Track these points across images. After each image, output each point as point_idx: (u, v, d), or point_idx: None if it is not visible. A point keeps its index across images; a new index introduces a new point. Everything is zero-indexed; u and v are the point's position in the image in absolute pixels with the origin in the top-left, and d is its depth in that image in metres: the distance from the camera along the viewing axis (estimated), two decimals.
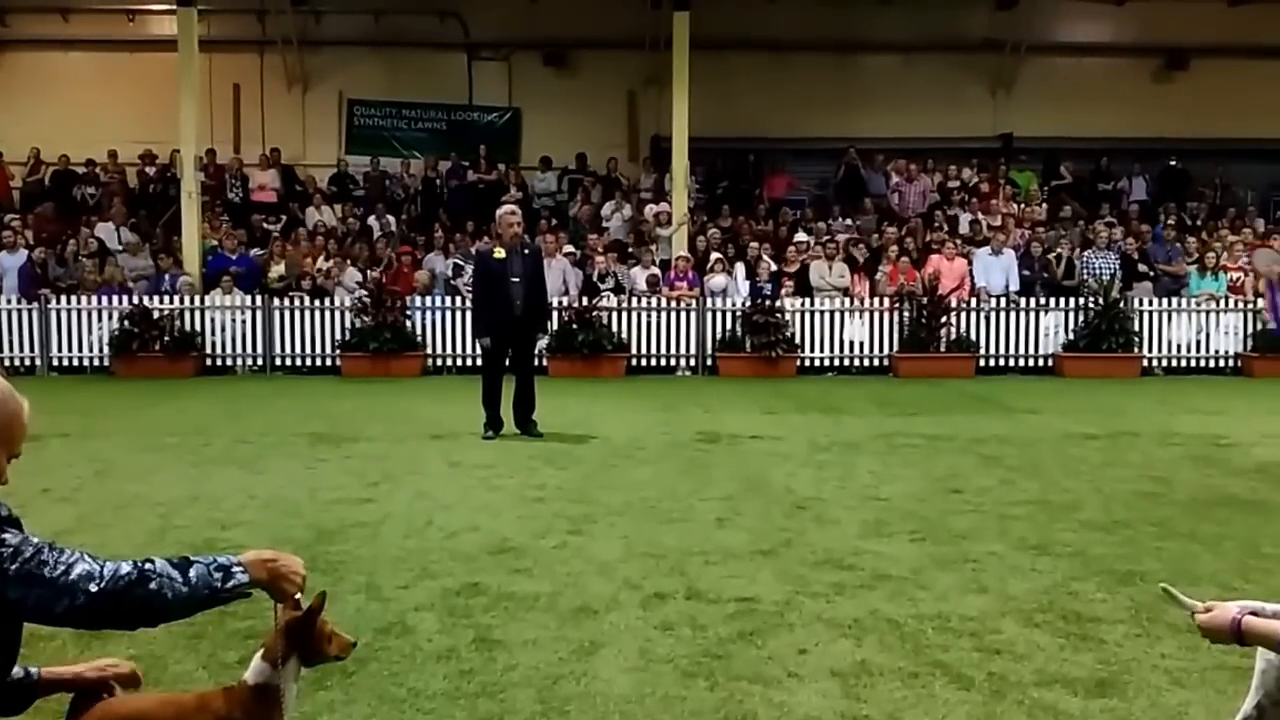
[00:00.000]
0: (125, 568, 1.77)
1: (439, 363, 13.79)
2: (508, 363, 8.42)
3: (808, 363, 13.77)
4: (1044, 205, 16.57)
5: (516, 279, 8.27)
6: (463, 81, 18.37)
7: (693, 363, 13.81)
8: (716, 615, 3.91)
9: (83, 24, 17.77)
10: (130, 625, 1.83)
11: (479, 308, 8.59)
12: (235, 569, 1.84)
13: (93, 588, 1.73)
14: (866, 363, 13.80)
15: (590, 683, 3.30)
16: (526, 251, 8.56)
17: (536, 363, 9.99)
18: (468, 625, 3.81)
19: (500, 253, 8.31)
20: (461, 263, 14.25)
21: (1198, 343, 13.97)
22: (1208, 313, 13.98)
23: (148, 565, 1.79)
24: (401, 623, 3.83)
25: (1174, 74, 18.14)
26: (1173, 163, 17.56)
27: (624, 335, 13.62)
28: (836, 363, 13.87)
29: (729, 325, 13.64)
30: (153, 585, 1.77)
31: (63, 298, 13.76)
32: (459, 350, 13.76)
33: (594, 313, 13.36)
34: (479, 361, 13.51)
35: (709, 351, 13.74)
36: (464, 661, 3.46)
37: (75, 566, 1.74)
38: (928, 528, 5.25)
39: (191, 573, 1.80)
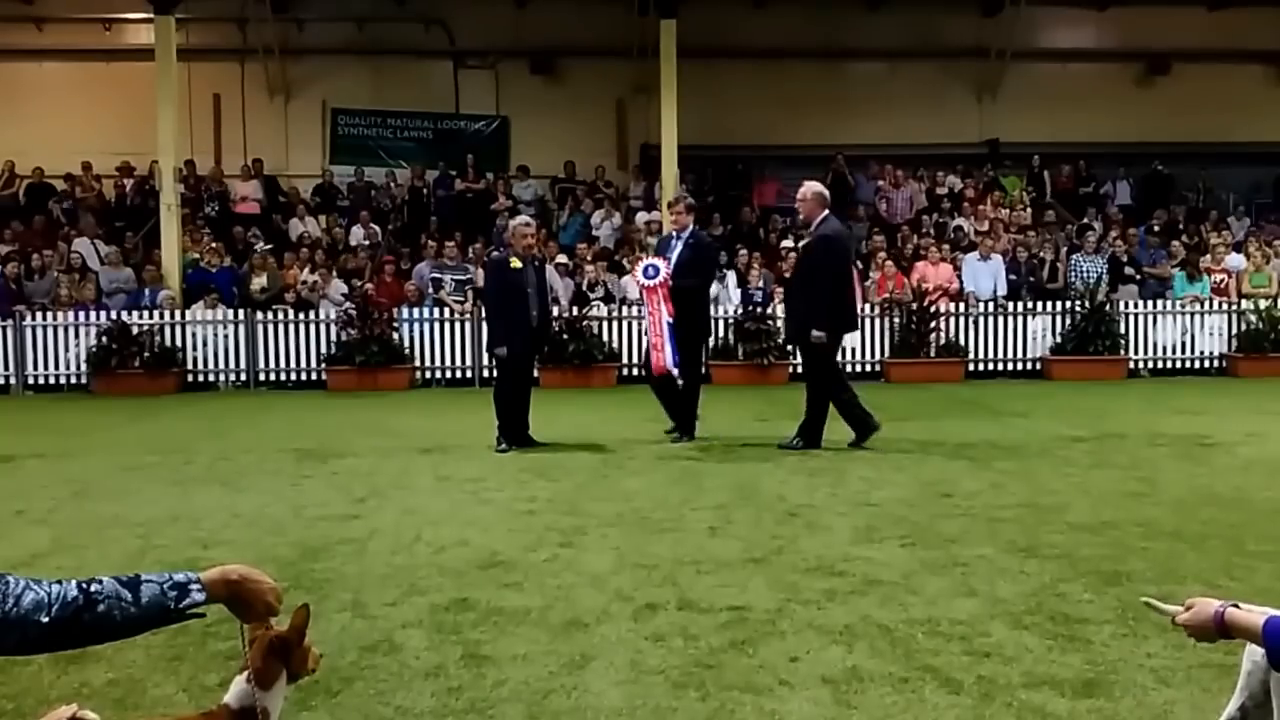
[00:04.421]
0: (72, 592, 1.72)
1: (427, 375, 13.71)
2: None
3: (799, 370, 13.74)
4: (1028, 210, 16.65)
5: (531, 289, 8.34)
6: (449, 90, 18.32)
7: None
8: (708, 625, 3.89)
9: (57, 34, 17.60)
10: (77, 647, 1.79)
11: (497, 318, 8.50)
12: (192, 586, 1.79)
13: (44, 618, 1.69)
14: (858, 369, 13.79)
15: (581, 696, 3.26)
16: (536, 263, 8.67)
17: None
18: (456, 641, 3.76)
19: (516, 263, 8.31)
20: (440, 275, 14.15)
21: (1183, 344, 14.03)
22: (1193, 314, 14.05)
23: (94, 587, 1.74)
24: (389, 640, 3.78)
25: (1156, 79, 18.30)
26: (1157, 167, 17.66)
27: (615, 345, 13.59)
28: None
29: (720, 333, 13.62)
30: (100, 608, 1.72)
31: (39, 314, 13.47)
32: (448, 362, 13.71)
33: (584, 322, 13.33)
34: (468, 374, 13.76)
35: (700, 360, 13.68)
36: (452, 678, 3.42)
37: (24, 598, 1.69)
38: (918, 532, 5.25)
39: (142, 591, 1.76)
